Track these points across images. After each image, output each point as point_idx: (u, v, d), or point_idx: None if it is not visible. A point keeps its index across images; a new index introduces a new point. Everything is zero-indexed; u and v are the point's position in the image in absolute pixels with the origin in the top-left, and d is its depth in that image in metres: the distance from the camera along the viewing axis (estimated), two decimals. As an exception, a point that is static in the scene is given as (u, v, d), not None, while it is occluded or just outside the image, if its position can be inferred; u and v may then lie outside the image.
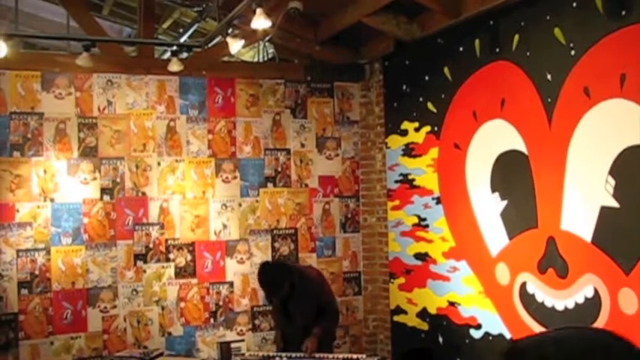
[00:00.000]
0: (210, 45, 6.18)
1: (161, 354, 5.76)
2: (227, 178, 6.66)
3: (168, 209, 6.47)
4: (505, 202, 5.15)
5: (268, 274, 5.36)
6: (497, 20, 5.17)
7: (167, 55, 7.14)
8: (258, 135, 6.79)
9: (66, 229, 6.16)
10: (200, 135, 6.59)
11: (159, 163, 6.45)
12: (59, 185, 6.16)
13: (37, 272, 6.07)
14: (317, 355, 5.13)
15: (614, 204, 4.20)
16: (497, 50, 5.18)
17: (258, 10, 4.59)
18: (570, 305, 4.53)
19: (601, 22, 4.27)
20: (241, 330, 6.64)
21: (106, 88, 6.33)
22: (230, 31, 5.27)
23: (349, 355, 5.23)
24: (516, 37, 4.97)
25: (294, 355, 5.18)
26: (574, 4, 4.48)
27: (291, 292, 5.28)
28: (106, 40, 6.27)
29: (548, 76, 4.68)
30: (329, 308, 5.42)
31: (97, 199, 6.27)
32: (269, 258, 6.73)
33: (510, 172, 5.09)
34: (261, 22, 4.65)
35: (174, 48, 5.94)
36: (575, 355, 1.41)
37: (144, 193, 6.40)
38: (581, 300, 4.45)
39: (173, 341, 6.43)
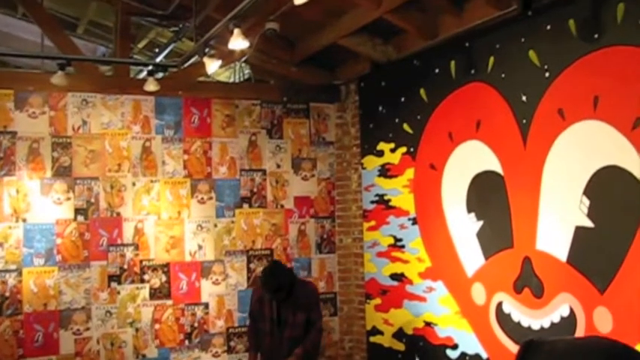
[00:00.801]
0: (186, 65, 6.19)
1: (135, 376, 5.70)
2: (202, 198, 6.64)
3: (143, 230, 6.42)
4: (481, 223, 5.19)
5: (276, 268, 5.41)
6: (473, 42, 5.24)
7: (143, 74, 7.15)
8: (234, 155, 6.80)
9: (38, 250, 6.09)
10: (175, 155, 6.58)
11: (134, 184, 6.42)
12: (32, 205, 6.10)
13: (7, 294, 5.98)
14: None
15: (589, 224, 4.26)
16: (473, 72, 5.24)
17: (236, 31, 4.62)
18: (546, 324, 4.57)
19: (575, 45, 4.35)
20: (217, 352, 6.59)
21: (80, 108, 6.30)
22: (207, 51, 5.28)
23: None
24: (491, 58, 5.04)
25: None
26: (548, 27, 4.56)
27: (288, 295, 5.27)
28: (82, 59, 6.25)
29: (523, 98, 4.75)
30: (316, 326, 5.41)
31: (70, 220, 6.21)
32: (244, 279, 6.73)
33: (486, 193, 5.14)
34: (239, 42, 4.67)
35: (151, 67, 5.94)
36: (583, 351, 1.52)
37: (118, 214, 6.35)
38: (557, 319, 4.49)
39: (147, 364, 6.38)
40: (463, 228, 5.38)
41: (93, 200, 6.28)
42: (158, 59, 7.18)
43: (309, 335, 5.39)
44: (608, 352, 1.52)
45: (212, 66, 5.30)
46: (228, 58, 5.80)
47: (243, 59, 6.71)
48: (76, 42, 6.75)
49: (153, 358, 6.38)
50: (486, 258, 5.14)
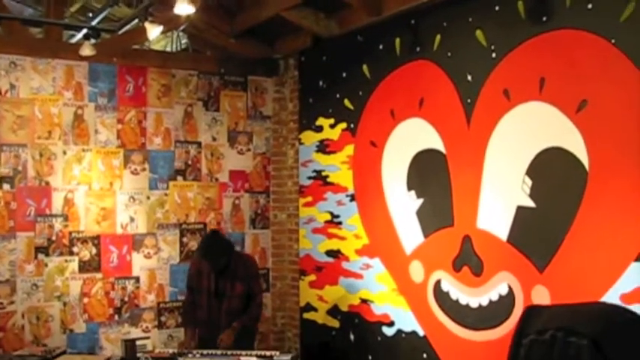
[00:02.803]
0: (122, 31, 5.96)
1: (63, 352, 5.49)
2: (136, 169, 6.44)
3: (73, 200, 6.19)
4: (421, 201, 5.19)
5: (215, 239, 5.34)
6: (419, 20, 5.20)
7: (76, 39, 6.86)
8: (169, 126, 6.61)
9: (-39, 219, 5.80)
10: (109, 124, 6.35)
11: (64, 152, 6.16)
12: (-45, 172, 5.80)
13: None
14: (230, 352, 5.00)
15: (531, 204, 4.30)
16: (418, 50, 5.21)
17: (182, -4, 4.44)
18: (484, 302, 4.61)
19: (523, 26, 4.36)
20: (147, 327, 6.43)
21: (8, 71, 5.99)
22: (148, 15, 5.07)
23: (263, 353, 5.12)
24: (438, 37, 5.01)
25: (206, 351, 5.03)
26: (497, 8, 4.55)
27: (227, 266, 5.18)
28: (13, 18, 5.93)
29: (469, 77, 4.74)
30: (256, 299, 5.33)
31: (-5, 188, 5.93)
32: (177, 253, 6.59)
33: (427, 171, 5.13)
34: (184, 7, 4.51)
35: (87, 31, 5.68)
36: (582, 312, 1.60)
37: (47, 183, 6.10)
38: (495, 297, 4.53)
39: (75, 338, 6.16)
40: (402, 206, 5.36)
41: (20, 168, 6.00)
42: (93, 24, 6.89)
43: (249, 309, 5.31)
44: (605, 311, 1.63)
45: (153, 32, 5.10)
46: (170, 24, 5.59)
47: (181, 28, 6.52)
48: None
49: (81, 333, 6.18)
50: (425, 236, 5.14)
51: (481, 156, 4.62)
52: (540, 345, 1.58)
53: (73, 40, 6.94)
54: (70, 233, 6.17)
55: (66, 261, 6.14)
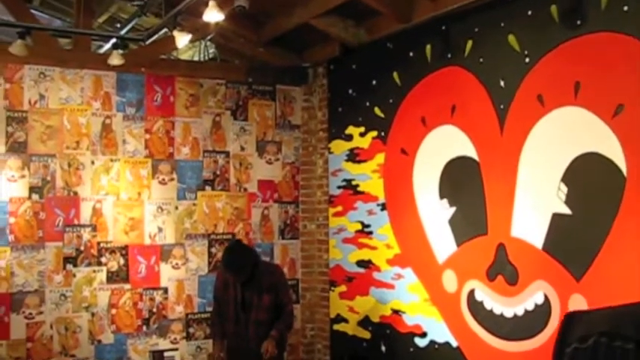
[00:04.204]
0: (150, 41, 6.05)
1: (91, 362, 5.57)
2: (164, 179, 6.52)
3: (101, 210, 6.28)
4: (454, 209, 5.20)
5: (237, 247, 5.36)
6: (450, 26, 5.23)
7: (103, 49, 6.97)
8: (197, 136, 6.69)
9: (-9, 229, 5.91)
10: (137, 134, 6.44)
11: (92, 162, 6.27)
12: (-16, 182, 5.91)
13: (-43, 274, 5.79)
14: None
15: (566, 211, 4.29)
16: (449, 56, 5.24)
17: (211, 2, 4.52)
18: (520, 312, 4.60)
19: (556, 30, 4.37)
20: (175, 338, 6.48)
21: (38, 81, 6.12)
22: (177, 23, 5.15)
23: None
24: (469, 42, 5.04)
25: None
26: (529, 12, 4.57)
27: (252, 277, 5.16)
28: (44, 29, 6.05)
29: (502, 83, 4.75)
30: (286, 308, 5.31)
31: (25, 198, 6.03)
32: (205, 264, 6.65)
33: (460, 179, 5.15)
34: (213, 14, 4.57)
35: (115, 41, 5.78)
36: (625, 314, 1.57)
37: (76, 193, 6.19)
38: (531, 307, 4.52)
39: (103, 349, 6.23)
40: (435, 214, 5.38)
41: (49, 178, 6.11)
42: (121, 33, 7.00)
43: (283, 317, 5.27)
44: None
45: (182, 40, 5.18)
46: (198, 32, 5.67)
47: (209, 38, 6.61)
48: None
49: (109, 344, 6.25)
50: (458, 245, 5.15)
51: (515, 163, 4.63)
52: (584, 353, 1.53)
53: (102, 51, 7.07)
54: (99, 243, 6.26)
55: (94, 271, 6.22)
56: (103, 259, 6.27)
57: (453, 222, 5.21)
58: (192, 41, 5.85)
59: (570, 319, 1.62)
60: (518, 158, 4.61)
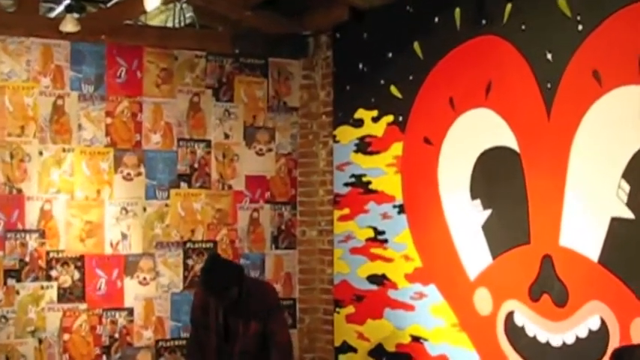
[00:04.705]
0: (112, 2, 6.08)
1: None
2: (129, 174, 6.56)
3: (51, 212, 6.31)
4: (489, 212, 5.22)
5: (218, 263, 5.35)
6: (485, -14, 5.28)
7: (55, 13, 6.98)
8: (171, 121, 6.73)
9: None
10: (96, 118, 6.47)
11: (41, 153, 6.30)
12: None
13: None
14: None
15: (629, 215, 4.31)
16: (484, 23, 5.26)
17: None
18: (570, 340, 4.62)
19: (617, -9, 4.39)
20: (142, 371, 6.54)
21: (-27, 52, 6.17)
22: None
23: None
24: (508, 6, 5.05)
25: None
26: (584, -32, 4.59)
27: (238, 298, 5.18)
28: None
29: (549, 56, 4.77)
30: (279, 344, 5.25)
31: (-43, 197, 6.09)
32: (180, 279, 6.68)
33: (496, 175, 5.17)
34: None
35: (70, 2, 5.80)
36: None
37: (19, 191, 6.24)
38: (583, 333, 4.54)
39: (53, 384, 6.29)
40: (465, 219, 5.41)
41: (-14, 173, 6.17)
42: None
43: (277, 354, 5.30)
44: None
45: (151, 2, 5.21)
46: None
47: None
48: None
49: (60, 378, 6.31)
50: (494, 257, 5.17)
51: (565, 155, 4.65)
52: None
53: (52, 15, 7.06)
54: (48, 253, 6.29)
55: (42, 288, 6.26)
56: (54, 273, 6.30)
57: (487, 228, 5.23)
58: (164, 3, 5.89)
59: (620, 356, 1.63)
60: (568, 149, 4.63)
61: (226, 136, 6.91)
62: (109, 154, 6.50)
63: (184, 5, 6.97)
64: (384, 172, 6.19)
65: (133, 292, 6.54)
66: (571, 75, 4.65)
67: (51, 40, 6.32)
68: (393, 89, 6.08)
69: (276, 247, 7.07)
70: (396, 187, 6.06)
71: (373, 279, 6.28)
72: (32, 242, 6.26)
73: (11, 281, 6.19)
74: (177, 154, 6.74)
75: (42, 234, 6.29)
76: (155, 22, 7.51)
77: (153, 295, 6.59)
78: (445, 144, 5.60)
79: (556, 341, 4.71)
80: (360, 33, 6.46)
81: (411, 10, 5.93)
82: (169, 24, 7.20)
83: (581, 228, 4.57)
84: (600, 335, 4.45)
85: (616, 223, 4.38)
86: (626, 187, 4.32)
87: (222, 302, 5.21)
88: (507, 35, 5.08)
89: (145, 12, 6.16)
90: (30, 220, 6.26)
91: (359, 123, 6.45)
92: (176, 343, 6.61)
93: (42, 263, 6.28)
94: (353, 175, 6.53)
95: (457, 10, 5.47)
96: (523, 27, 4.98)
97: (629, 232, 4.31)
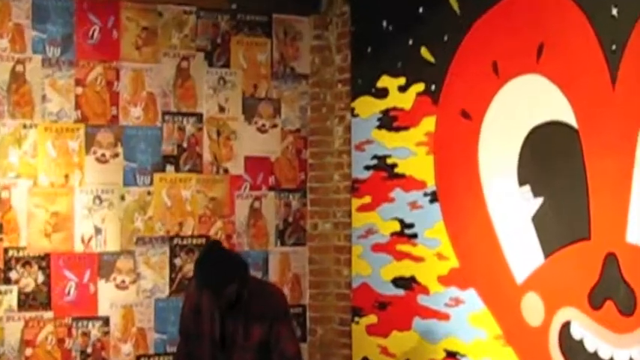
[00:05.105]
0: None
1: None
2: (104, 155, 6.57)
3: (10, 202, 6.33)
4: (540, 201, 5.20)
5: (217, 257, 5.25)
6: None
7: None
8: (154, 91, 6.74)
9: None
10: (63, 87, 6.48)
11: (-4, 129, 6.34)
12: None
13: None
14: None
15: None
16: (535, -31, 5.26)
17: None
18: (638, 356, 4.62)
19: None
20: (121, 392, 6.58)
21: None
22: None
23: None
24: (565, -50, 5.05)
25: None
26: None
27: (238, 300, 5.16)
28: None
29: (614, 11, 4.75)
30: (286, 357, 5.30)
31: None
32: (165, 282, 6.69)
33: (550, 156, 5.15)
34: None
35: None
36: None
37: (-28, 176, 6.28)
38: (655, 348, 4.55)
39: (12, 408, 6.33)
40: (512, 209, 5.40)
41: None
42: None
43: None
44: None
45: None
46: None
47: None
48: None
49: (22, 401, 6.35)
50: (547, 255, 5.15)
51: (633, 132, 4.63)
52: None
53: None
54: (6, 251, 6.31)
55: None
56: (13, 275, 6.32)
57: (538, 221, 5.21)
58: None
59: None
60: (638, 125, 4.62)
61: (221, 109, 6.92)
62: (79, 131, 6.51)
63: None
64: (412, 153, 6.19)
65: (108, 298, 6.56)
66: (641, 34, 4.63)
67: (7, -9, 6.35)
68: (424, 52, 6.08)
69: (282, 244, 7.10)
70: (427, 171, 6.07)
71: (400, 282, 6.29)
72: (-13, 238, 6.31)
73: (-38, 285, 6.25)
74: (161, 131, 6.75)
75: (-1, 228, 6.34)
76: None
77: (133, 302, 6.61)
78: (487, 118, 5.59)
79: (622, 356, 4.69)
80: (384, -17, 6.47)
81: (445, -45, 5.93)
82: (152, -27, 7.22)
83: (653, 220, 4.57)
84: (676, 350, 4.45)
85: (695, 214, 4.37)
86: None
87: (219, 301, 5.19)
88: (563, -14, 5.08)
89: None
90: (-16, 211, 6.31)
91: (382, 93, 6.45)
92: (161, 359, 6.63)
93: (-1, 263, 6.32)
94: (375, 157, 6.54)
95: (502, -45, 5.48)
96: (583, -25, 4.97)
97: None
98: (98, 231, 6.55)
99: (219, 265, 5.14)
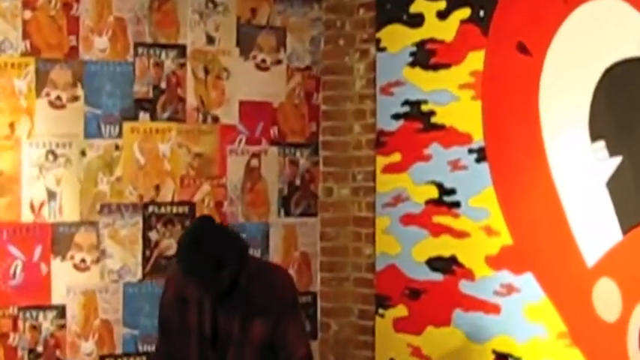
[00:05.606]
0: None
1: None
2: (59, 99, 6.56)
3: (-59, 159, 6.37)
4: (618, 161, 5.19)
5: (210, 231, 5.20)
6: None
7: None
8: (124, 15, 6.73)
9: None
10: (7, 11, 6.46)
11: None
12: None
13: None
14: None
15: None
16: None
17: None
18: None
19: None
20: (79, 400, 6.62)
21: None
22: None
23: None
24: None
25: None
26: None
27: (234, 287, 5.16)
28: None
29: None
30: (292, 356, 5.33)
31: None
32: (138, 262, 6.70)
33: (631, 103, 5.13)
34: None
35: None
36: None
37: None
38: None
39: (-57, 418, 6.38)
40: (581, 171, 5.39)
41: None
42: None
43: None
44: None
45: None
46: None
47: None
48: None
49: (-46, 411, 6.39)
50: (626, 231, 5.15)
51: None
52: None
53: None
54: None
55: None
56: (-55, 252, 6.37)
57: (615, 186, 5.21)
58: None
59: None
60: None
61: (210, 40, 6.93)
62: (28, 67, 6.50)
63: None
64: (455, 98, 6.19)
65: (64, 281, 6.57)
66: None
67: None
68: (471, -32, 6.05)
69: (287, 214, 7.12)
70: (473, 121, 6.06)
71: (437, 264, 6.30)
72: None
73: None
74: (133, 67, 6.75)
75: None
76: None
77: (96, 287, 6.63)
78: (550, 54, 5.57)
79: None
80: None
81: None
82: None
83: None
84: None
85: None
86: None
87: (211, 290, 5.18)
88: None
89: None
90: None
91: (417, 20, 6.45)
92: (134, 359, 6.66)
93: None
94: (407, 102, 6.53)
95: None
96: None
97: None
98: (52, 195, 6.55)
99: (209, 247, 5.09)
